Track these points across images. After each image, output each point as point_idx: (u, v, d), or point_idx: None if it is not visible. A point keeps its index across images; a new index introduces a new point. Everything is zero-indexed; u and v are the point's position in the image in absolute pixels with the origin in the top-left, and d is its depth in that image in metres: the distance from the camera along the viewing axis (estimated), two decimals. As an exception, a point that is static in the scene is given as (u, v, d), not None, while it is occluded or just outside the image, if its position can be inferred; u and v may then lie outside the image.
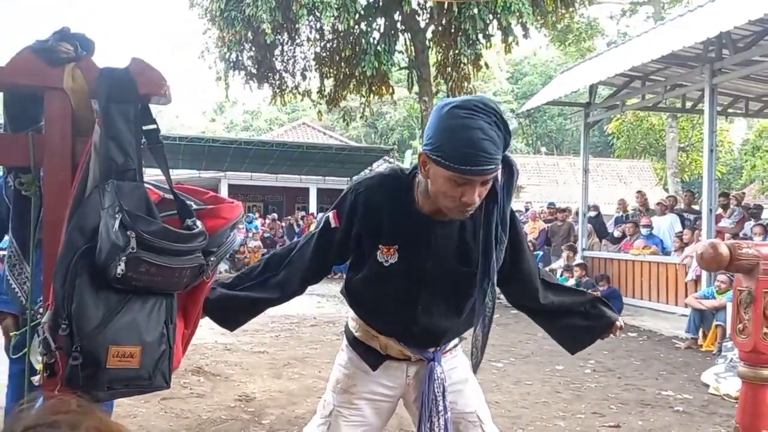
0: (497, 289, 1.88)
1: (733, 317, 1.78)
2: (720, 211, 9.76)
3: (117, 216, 1.31)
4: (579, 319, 2.07)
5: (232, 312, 1.95)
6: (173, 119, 44.30)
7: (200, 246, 1.41)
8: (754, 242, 1.78)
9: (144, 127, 1.45)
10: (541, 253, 12.22)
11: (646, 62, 8.86)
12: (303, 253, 1.96)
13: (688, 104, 11.81)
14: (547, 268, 11.47)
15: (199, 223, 1.44)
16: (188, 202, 1.48)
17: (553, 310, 2.07)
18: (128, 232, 1.30)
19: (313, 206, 22.20)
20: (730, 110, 12.25)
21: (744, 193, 12.85)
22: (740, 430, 1.74)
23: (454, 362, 2.05)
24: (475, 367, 1.92)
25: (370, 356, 1.99)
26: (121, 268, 1.28)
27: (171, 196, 1.48)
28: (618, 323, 2.06)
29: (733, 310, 1.78)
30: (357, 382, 2.00)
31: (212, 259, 1.46)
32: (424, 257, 1.84)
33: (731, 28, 7.38)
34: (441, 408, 1.93)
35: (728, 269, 1.73)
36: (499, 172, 1.74)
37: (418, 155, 1.77)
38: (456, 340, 2.08)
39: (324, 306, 10.74)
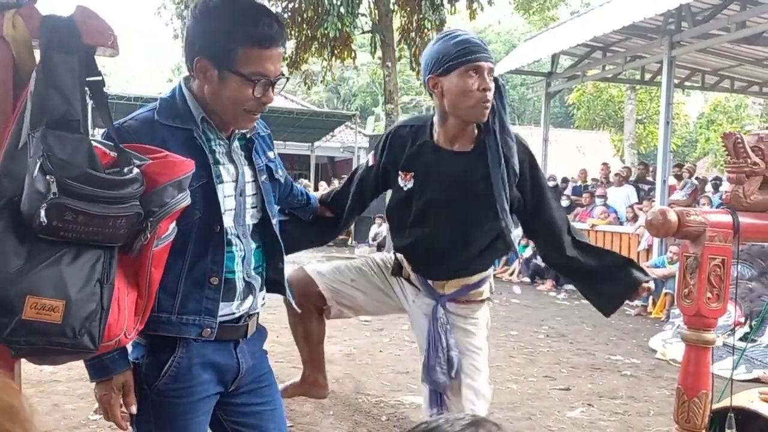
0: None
1: (679, 282, 1.83)
2: (674, 182, 10.00)
3: (38, 161, 1.25)
4: (608, 283, 2.19)
5: (296, 239, 2.19)
6: (129, 79, 43.02)
7: (135, 193, 1.34)
8: (702, 210, 1.82)
9: (88, 78, 1.39)
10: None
11: (607, 33, 8.92)
12: (346, 192, 2.30)
13: (647, 76, 11.97)
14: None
15: (135, 169, 1.37)
16: (133, 158, 1.41)
17: (582, 269, 2.20)
18: (48, 177, 1.23)
19: (273, 171, 21.88)
20: (687, 83, 12.46)
21: (696, 165, 13.16)
22: (682, 391, 1.80)
23: (470, 315, 2.23)
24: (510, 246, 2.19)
25: (396, 267, 2.31)
26: (42, 215, 1.22)
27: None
28: (645, 284, 2.15)
29: (679, 276, 1.83)
30: (384, 270, 2.37)
31: (151, 219, 1.38)
32: (435, 183, 2.08)
33: (690, 0, 7.46)
34: (445, 344, 2.14)
35: (676, 236, 1.77)
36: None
37: (426, 84, 2.07)
38: (479, 293, 2.23)
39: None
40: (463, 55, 1.95)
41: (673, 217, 1.72)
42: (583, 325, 7.00)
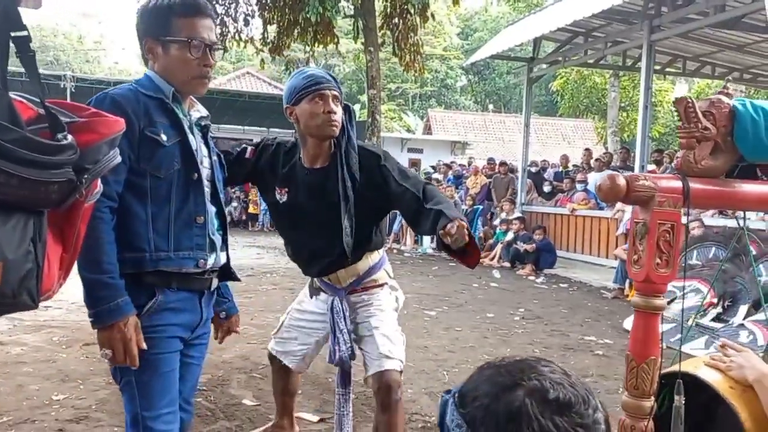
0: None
1: (630, 248, 1.81)
2: (654, 167, 10.03)
3: None
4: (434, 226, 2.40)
5: None
6: (112, 65, 42.54)
7: (69, 160, 1.32)
8: (652, 175, 1.79)
9: (12, 34, 1.34)
10: (481, 207, 12.37)
11: (588, 17, 8.90)
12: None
13: (629, 62, 11.97)
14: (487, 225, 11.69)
15: (69, 136, 1.34)
16: (61, 117, 1.38)
17: (426, 228, 2.44)
18: None
19: (257, 158, 21.73)
20: (668, 69, 12.48)
21: (677, 151, 13.18)
22: (631, 357, 1.78)
23: (371, 300, 2.59)
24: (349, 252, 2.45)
25: (311, 287, 2.74)
26: None
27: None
28: (442, 231, 2.22)
29: (630, 242, 1.81)
30: (304, 299, 2.81)
31: (86, 176, 1.36)
32: (303, 196, 2.46)
33: (669, -16, 7.46)
34: (343, 327, 2.54)
35: (625, 201, 1.75)
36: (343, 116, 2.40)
37: (285, 112, 2.44)
38: (373, 280, 2.59)
39: (263, 257, 10.67)
40: (310, 86, 2.33)
41: (621, 181, 1.70)
42: (559, 307, 7.02)
